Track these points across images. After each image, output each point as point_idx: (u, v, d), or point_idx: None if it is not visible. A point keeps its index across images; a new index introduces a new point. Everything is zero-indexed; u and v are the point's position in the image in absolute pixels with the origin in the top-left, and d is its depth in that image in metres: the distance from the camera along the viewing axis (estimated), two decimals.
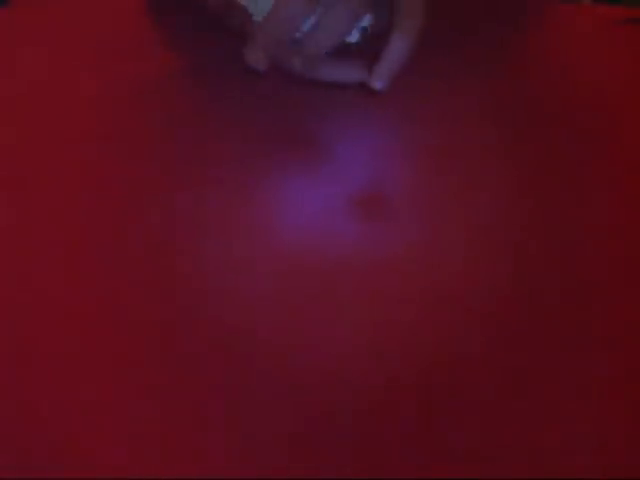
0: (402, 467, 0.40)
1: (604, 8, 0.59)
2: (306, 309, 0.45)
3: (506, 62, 0.55)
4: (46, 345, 0.44)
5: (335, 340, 0.44)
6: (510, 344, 0.44)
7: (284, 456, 0.40)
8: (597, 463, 0.40)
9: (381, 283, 0.46)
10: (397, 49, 0.47)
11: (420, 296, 0.46)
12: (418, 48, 0.54)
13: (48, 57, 0.55)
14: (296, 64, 0.47)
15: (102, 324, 0.44)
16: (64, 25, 0.57)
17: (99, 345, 0.44)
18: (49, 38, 0.56)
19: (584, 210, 0.49)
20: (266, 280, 0.46)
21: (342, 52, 0.50)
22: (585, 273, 0.47)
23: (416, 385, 0.43)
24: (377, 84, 0.48)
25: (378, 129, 0.52)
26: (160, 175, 0.50)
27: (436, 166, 0.51)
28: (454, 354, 0.44)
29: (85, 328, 0.44)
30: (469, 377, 0.43)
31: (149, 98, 0.53)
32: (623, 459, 0.40)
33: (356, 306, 0.45)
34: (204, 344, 0.44)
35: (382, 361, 0.43)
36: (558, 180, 0.50)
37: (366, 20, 0.49)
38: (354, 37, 0.49)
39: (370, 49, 0.51)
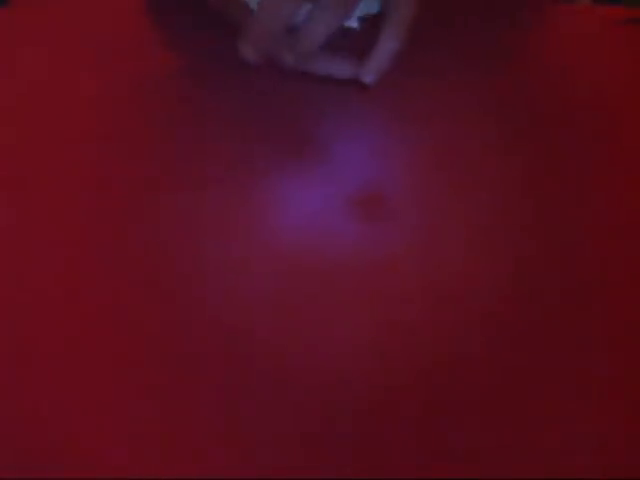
0: (402, 467, 0.40)
1: (604, 8, 0.59)
2: (305, 309, 0.45)
3: (505, 61, 0.55)
4: (46, 345, 0.44)
5: (334, 340, 0.44)
6: (510, 344, 0.44)
7: (284, 456, 0.40)
8: (597, 463, 0.40)
9: (380, 283, 0.46)
10: (387, 43, 0.47)
11: (420, 296, 0.46)
12: (416, 48, 0.54)
13: (48, 57, 0.55)
14: (288, 58, 0.47)
15: (102, 324, 0.44)
16: (64, 25, 0.57)
17: (99, 345, 0.44)
18: (49, 38, 0.56)
19: (584, 209, 0.49)
20: (265, 280, 0.46)
21: (341, 39, 0.49)
22: (585, 273, 0.47)
23: (416, 385, 0.42)
24: (367, 78, 0.48)
25: (377, 128, 0.52)
26: (159, 175, 0.50)
27: (436, 165, 0.51)
28: (454, 354, 0.43)
29: (85, 328, 0.44)
30: (469, 377, 0.43)
31: (149, 98, 0.53)
32: (623, 459, 0.40)
33: (356, 306, 0.45)
34: (204, 344, 0.44)
35: (382, 361, 0.43)
36: (558, 180, 0.50)
37: (366, 9, 0.49)
38: (354, 22, 0.49)
39: (366, 38, 0.51)
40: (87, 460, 0.40)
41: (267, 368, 0.43)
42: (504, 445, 0.41)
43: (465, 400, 0.42)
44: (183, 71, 0.54)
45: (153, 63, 0.55)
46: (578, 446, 0.41)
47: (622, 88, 0.55)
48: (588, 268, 0.47)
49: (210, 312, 0.45)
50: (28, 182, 0.50)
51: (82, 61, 0.55)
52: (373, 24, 0.52)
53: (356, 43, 0.53)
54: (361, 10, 0.49)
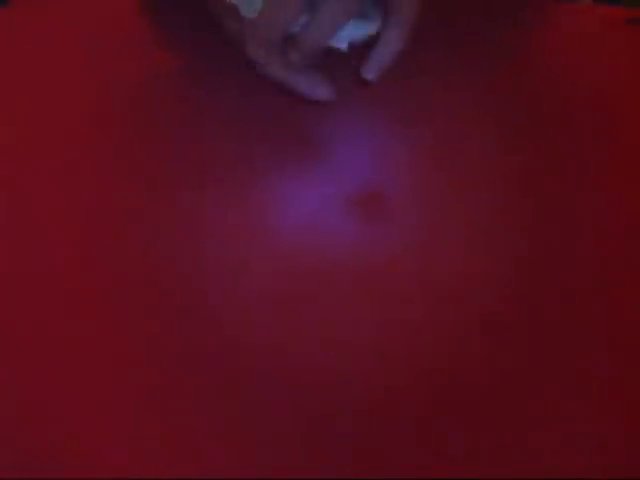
0: (402, 467, 0.40)
1: (604, 8, 0.59)
2: (305, 309, 0.45)
3: (506, 61, 0.55)
4: (46, 345, 0.44)
5: (334, 340, 0.44)
6: (510, 344, 0.44)
7: (284, 456, 0.40)
8: (597, 463, 0.40)
9: (380, 283, 0.46)
10: (390, 41, 0.47)
11: (419, 296, 0.46)
12: (417, 47, 0.54)
13: (48, 57, 0.55)
14: (293, 56, 0.47)
15: (102, 324, 0.44)
16: (64, 25, 0.57)
17: (99, 345, 0.44)
18: (49, 38, 0.56)
19: (584, 209, 0.49)
20: (265, 279, 0.46)
21: (328, 60, 0.49)
22: (585, 273, 0.47)
23: (416, 385, 0.42)
24: (369, 75, 0.48)
25: (377, 128, 0.52)
26: (159, 175, 0.50)
27: (435, 165, 0.51)
28: (454, 354, 0.43)
29: (85, 328, 0.44)
30: (469, 377, 0.43)
31: (148, 98, 0.53)
32: (623, 459, 0.40)
33: (355, 306, 0.45)
34: (204, 344, 0.44)
35: (382, 361, 0.43)
36: (558, 180, 0.50)
37: (356, 32, 0.48)
38: (343, 45, 0.49)
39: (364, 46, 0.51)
40: (87, 460, 0.40)
41: (267, 368, 0.43)
42: (504, 445, 0.41)
43: (465, 400, 0.42)
44: (183, 71, 0.54)
45: (153, 63, 0.55)
46: (578, 446, 0.41)
47: (622, 88, 0.55)
48: (588, 268, 0.47)
49: (210, 312, 0.45)
50: (28, 182, 0.50)
51: (82, 61, 0.55)
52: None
53: (343, 64, 0.53)
54: (351, 35, 0.49)
